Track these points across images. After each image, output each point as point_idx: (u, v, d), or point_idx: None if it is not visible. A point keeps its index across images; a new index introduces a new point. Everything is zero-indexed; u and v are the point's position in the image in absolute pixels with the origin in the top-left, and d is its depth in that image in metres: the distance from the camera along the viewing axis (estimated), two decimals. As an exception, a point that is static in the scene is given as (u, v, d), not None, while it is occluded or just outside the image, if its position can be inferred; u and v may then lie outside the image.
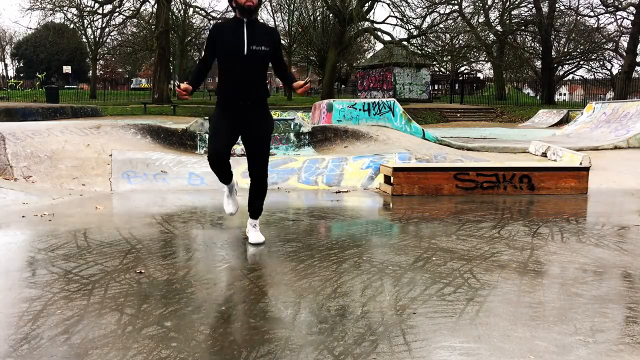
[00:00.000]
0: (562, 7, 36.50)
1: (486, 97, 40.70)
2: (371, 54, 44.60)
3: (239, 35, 3.62)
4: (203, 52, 3.85)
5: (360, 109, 10.91)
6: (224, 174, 3.95)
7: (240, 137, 3.86)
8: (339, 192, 6.59)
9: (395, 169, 6.35)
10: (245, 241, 4.08)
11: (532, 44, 41.20)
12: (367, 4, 31.76)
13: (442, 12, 34.25)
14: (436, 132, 13.52)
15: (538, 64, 40.41)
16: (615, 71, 39.97)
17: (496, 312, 2.63)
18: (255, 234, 4.03)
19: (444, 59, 39.60)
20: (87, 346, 2.23)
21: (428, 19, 33.79)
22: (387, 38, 32.35)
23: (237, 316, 2.56)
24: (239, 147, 8.71)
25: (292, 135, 9.09)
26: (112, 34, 41.72)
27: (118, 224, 4.65)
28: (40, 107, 23.24)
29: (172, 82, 36.08)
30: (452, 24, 36.41)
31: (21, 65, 60.28)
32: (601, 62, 41.16)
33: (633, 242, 4.09)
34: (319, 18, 41.33)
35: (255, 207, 4.05)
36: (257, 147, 3.85)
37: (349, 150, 8.74)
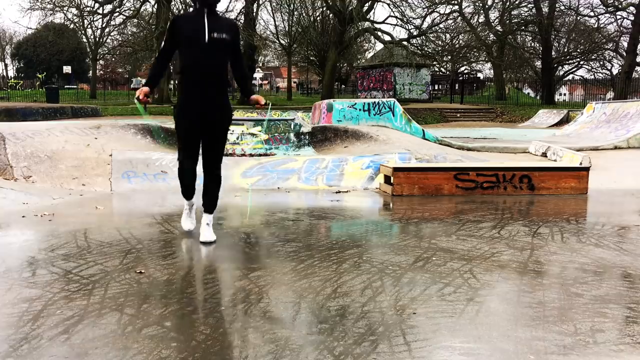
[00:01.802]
0: (562, 7, 36.51)
1: (486, 97, 40.69)
2: (371, 54, 44.60)
3: (200, 24, 3.68)
4: (163, 43, 3.90)
5: (360, 109, 10.91)
6: (190, 183, 4.06)
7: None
8: (339, 192, 6.59)
9: (395, 169, 6.35)
10: (246, 241, 4.08)
11: (532, 44, 41.21)
12: (367, 4, 31.76)
13: (442, 12, 34.28)
14: (436, 132, 13.52)
15: (538, 64, 40.41)
16: (615, 71, 39.99)
17: (496, 312, 2.63)
18: (208, 232, 3.98)
19: (444, 59, 39.63)
20: (87, 346, 2.23)
21: (428, 19, 33.83)
22: (387, 38, 32.37)
23: (237, 316, 2.56)
24: (239, 148, 8.71)
25: (292, 135, 9.10)
26: (112, 34, 41.71)
27: (118, 224, 4.64)
28: (40, 107, 23.26)
29: (172, 82, 36.08)
30: (452, 24, 36.47)
31: (21, 65, 60.29)
32: (601, 62, 41.18)
33: (633, 242, 4.09)
34: (319, 18, 41.33)
35: (210, 199, 4.05)
36: (214, 138, 3.94)
37: (349, 150, 8.74)
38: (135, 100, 3.85)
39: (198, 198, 4.16)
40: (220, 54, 3.77)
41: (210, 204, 4.06)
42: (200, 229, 4.04)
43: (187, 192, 4.11)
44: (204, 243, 3.91)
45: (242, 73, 4.07)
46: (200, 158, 3.98)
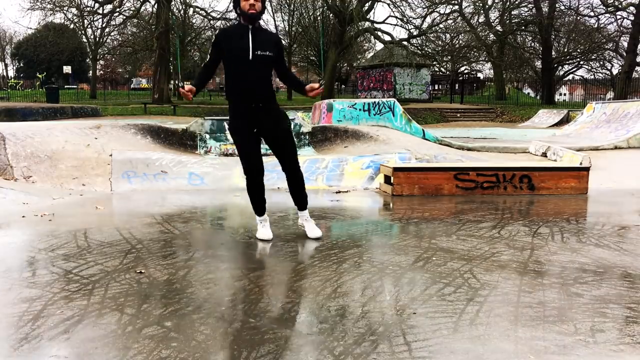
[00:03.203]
0: (562, 7, 36.51)
1: (486, 97, 40.69)
2: (371, 54, 44.61)
3: (245, 41, 3.77)
4: (208, 57, 3.99)
5: (360, 109, 10.91)
6: (260, 195, 4.08)
7: (262, 139, 4.03)
8: (339, 192, 6.59)
9: (396, 169, 6.35)
10: (246, 241, 4.08)
11: (532, 44, 41.19)
12: (367, 4, 31.76)
13: (442, 12, 34.27)
14: (436, 132, 13.52)
15: (538, 64, 40.40)
16: (615, 71, 39.98)
17: (496, 312, 2.63)
18: (312, 227, 4.16)
19: (444, 59, 39.64)
20: (87, 346, 2.23)
21: (428, 19, 33.82)
22: (387, 38, 32.36)
23: (237, 316, 2.56)
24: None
25: (292, 135, 9.08)
26: (112, 34, 41.71)
27: (118, 224, 4.65)
28: (40, 107, 23.26)
29: (172, 82, 36.08)
30: (452, 24, 36.45)
31: (21, 65, 60.27)
32: (601, 62, 41.16)
33: (633, 242, 4.09)
34: (319, 18, 41.32)
35: (300, 198, 4.19)
36: (282, 145, 4.00)
37: (349, 150, 8.74)
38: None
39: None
40: (264, 70, 3.89)
41: (301, 204, 4.21)
42: (303, 227, 4.24)
43: (258, 206, 4.14)
44: (313, 239, 4.07)
45: (290, 80, 4.18)
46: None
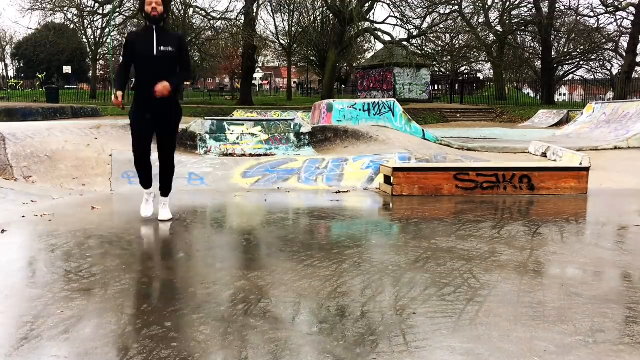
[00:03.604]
0: (562, 7, 36.52)
1: (486, 97, 40.69)
2: (371, 54, 44.59)
3: (150, 39, 4.36)
4: (122, 58, 4.61)
5: (360, 109, 10.91)
6: (146, 171, 4.65)
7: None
8: (339, 192, 6.59)
9: (395, 169, 6.35)
10: (246, 241, 4.08)
11: (532, 44, 41.20)
12: (367, 4, 31.76)
13: (442, 12, 34.28)
14: (436, 132, 13.52)
15: (538, 64, 40.41)
16: (615, 71, 39.97)
17: (496, 312, 2.63)
18: (165, 211, 4.72)
19: (444, 59, 39.65)
20: (87, 346, 2.23)
21: (428, 19, 33.84)
22: (387, 38, 32.37)
23: (237, 316, 2.56)
24: (239, 148, 8.72)
25: (292, 135, 9.10)
26: (112, 34, 41.68)
27: (118, 224, 4.65)
28: (40, 107, 23.26)
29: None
30: (452, 24, 36.46)
31: (21, 65, 60.23)
32: (601, 62, 41.16)
33: (633, 242, 4.09)
34: (319, 18, 41.33)
35: (165, 186, 4.76)
36: (165, 134, 4.59)
37: (349, 150, 8.74)
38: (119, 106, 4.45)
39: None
40: (167, 64, 4.40)
41: (165, 191, 4.81)
42: (159, 210, 4.76)
43: (144, 180, 4.72)
44: (162, 221, 4.64)
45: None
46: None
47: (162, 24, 4.46)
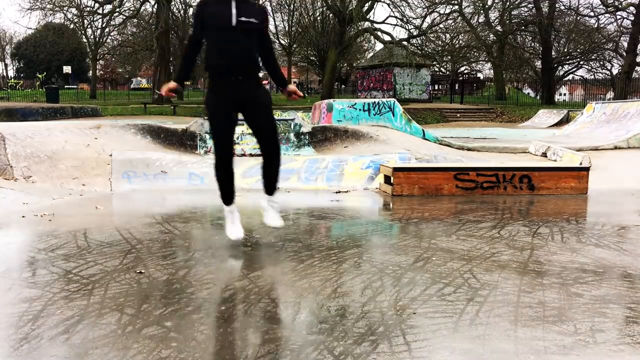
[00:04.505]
0: (562, 7, 36.52)
1: (486, 97, 40.68)
2: (371, 54, 44.60)
3: (228, 7, 3.51)
4: (192, 30, 3.73)
5: (360, 109, 10.91)
6: (230, 180, 3.86)
7: (242, 115, 3.75)
8: (339, 192, 6.59)
9: (395, 169, 6.35)
10: (246, 241, 4.07)
11: (532, 44, 41.18)
12: (367, 4, 31.76)
13: (442, 12, 34.27)
14: (436, 132, 13.51)
15: (538, 64, 40.40)
16: (615, 71, 39.97)
17: (496, 312, 2.63)
18: (274, 215, 3.92)
19: (444, 59, 39.62)
20: (87, 346, 2.23)
21: (428, 19, 33.83)
22: (387, 38, 32.37)
23: (237, 316, 2.56)
24: (238, 148, 8.71)
25: (292, 135, 9.09)
26: (112, 34, 41.70)
27: (118, 224, 4.64)
28: (40, 107, 23.25)
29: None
30: (452, 24, 36.44)
31: (21, 65, 60.23)
32: (601, 62, 41.15)
33: (633, 242, 4.09)
34: (319, 18, 41.32)
35: (270, 183, 3.97)
36: (262, 119, 3.74)
37: (349, 150, 8.74)
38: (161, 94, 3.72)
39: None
40: (249, 39, 3.58)
41: (271, 188, 4.00)
42: (265, 212, 4.04)
43: (226, 194, 3.89)
44: (273, 227, 3.96)
45: (273, 67, 3.87)
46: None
47: None
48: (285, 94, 3.92)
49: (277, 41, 44.25)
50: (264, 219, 3.95)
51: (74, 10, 33.98)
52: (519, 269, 3.33)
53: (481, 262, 3.46)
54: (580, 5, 36.90)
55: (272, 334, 2.35)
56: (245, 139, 8.79)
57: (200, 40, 3.68)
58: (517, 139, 14.27)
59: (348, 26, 31.44)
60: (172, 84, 3.70)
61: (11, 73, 61.39)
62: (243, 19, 3.51)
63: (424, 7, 32.55)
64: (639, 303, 2.78)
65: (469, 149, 10.22)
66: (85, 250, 3.69)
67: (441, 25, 34.96)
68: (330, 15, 35.72)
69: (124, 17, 34.72)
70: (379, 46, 39.58)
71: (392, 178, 6.30)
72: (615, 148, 10.50)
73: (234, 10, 3.50)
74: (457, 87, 40.34)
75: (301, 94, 3.95)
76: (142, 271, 3.24)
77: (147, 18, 35.26)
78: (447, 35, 37.56)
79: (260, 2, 35.50)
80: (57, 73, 49.30)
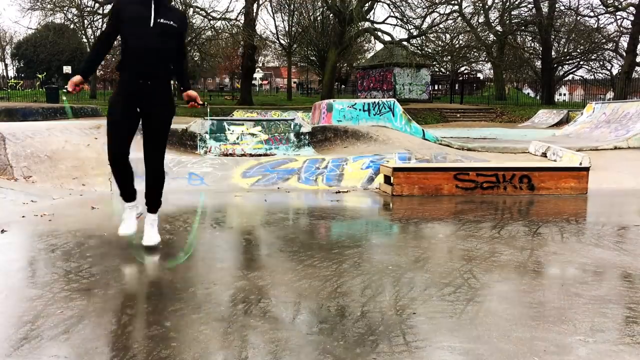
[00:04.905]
0: (562, 7, 36.52)
1: (486, 97, 40.69)
2: (371, 54, 44.60)
3: (147, 8, 3.46)
4: (105, 27, 3.66)
5: (360, 109, 10.91)
6: (127, 177, 3.79)
7: (140, 120, 3.72)
8: (339, 192, 6.59)
9: (395, 169, 6.35)
10: (246, 241, 4.08)
11: (532, 44, 41.20)
12: (367, 4, 31.76)
13: (442, 12, 34.26)
14: (436, 132, 13.52)
15: (538, 64, 40.41)
16: (615, 71, 39.98)
17: (496, 312, 2.63)
18: (151, 233, 3.76)
19: (444, 59, 39.62)
20: (87, 346, 2.23)
21: (428, 19, 33.81)
22: (387, 38, 32.36)
23: (237, 316, 2.56)
24: (239, 148, 8.71)
25: (292, 135, 9.10)
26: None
27: (118, 224, 4.63)
28: (40, 107, 23.23)
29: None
30: (452, 24, 36.44)
31: (21, 65, 60.21)
32: (601, 62, 41.16)
33: (633, 242, 4.09)
34: (319, 18, 41.32)
35: (153, 199, 3.85)
36: (156, 132, 3.72)
37: (349, 150, 8.74)
38: (63, 95, 3.61)
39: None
40: (165, 42, 3.53)
41: (153, 205, 3.89)
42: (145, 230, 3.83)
43: (125, 190, 3.84)
44: (146, 247, 3.73)
45: (180, 70, 3.86)
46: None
47: None
48: (185, 97, 3.85)
49: (277, 41, 44.26)
50: (143, 240, 3.75)
51: (74, 10, 33.98)
52: (519, 269, 3.33)
53: (481, 262, 3.46)
54: (580, 5, 37.02)
55: (272, 334, 2.35)
56: (245, 139, 8.80)
57: (111, 38, 3.64)
58: (517, 139, 14.28)
59: (348, 26, 31.43)
60: (76, 78, 3.59)
61: (11, 73, 61.40)
62: (162, 20, 3.48)
63: (424, 7, 32.56)
64: (639, 303, 2.78)
65: (469, 149, 10.22)
66: (85, 250, 3.69)
67: (441, 26, 34.96)
68: (330, 15, 35.73)
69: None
70: (379, 46, 39.59)
71: (392, 178, 6.30)
72: (615, 148, 10.50)
73: (152, 12, 3.47)
74: (457, 87, 40.35)
75: (200, 102, 3.84)
76: (142, 271, 3.24)
77: (147, 18, 35.17)
78: (447, 36, 37.58)
79: (261, 2, 35.55)
80: (57, 73, 49.28)
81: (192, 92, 3.78)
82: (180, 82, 3.87)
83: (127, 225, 3.73)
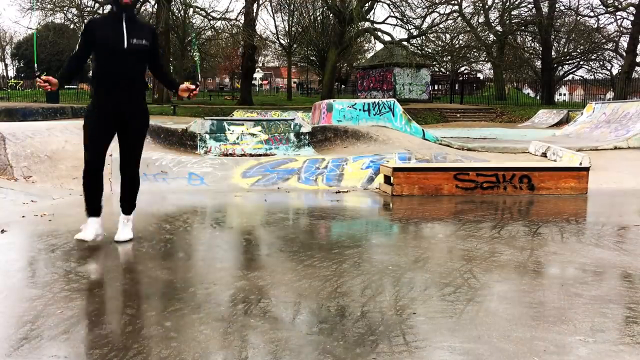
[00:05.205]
0: (562, 7, 36.54)
1: (486, 97, 40.70)
2: (371, 54, 44.61)
3: (119, 30, 3.61)
4: (77, 47, 3.81)
5: (360, 109, 10.92)
6: (98, 192, 3.91)
7: (116, 133, 3.88)
8: (339, 192, 6.59)
9: (395, 169, 6.35)
10: (246, 241, 4.08)
11: (532, 44, 41.21)
12: (367, 4, 31.78)
13: (442, 12, 34.31)
14: (436, 132, 13.52)
15: (538, 64, 40.42)
16: (615, 71, 40.00)
17: (496, 312, 2.63)
18: (125, 230, 3.98)
19: (444, 59, 39.65)
20: (87, 346, 2.23)
21: (428, 19, 33.85)
22: (387, 38, 32.38)
23: (237, 316, 2.56)
24: (238, 148, 8.71)
25: (292, 135, 9.10)
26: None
27: (118, 223, 4.63)
28: (40, 107, 23.25)
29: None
30: (452, 24, 36.47)
31: (21, 65, 60.23)
32: (601, 62, 41.19)
33: (633, 242, 4.09)
34: (319, 18, 41.33)
35: (127, 204, 4.05)
36: (131, 142, 3.89)
37: (349, 150, 8.74)
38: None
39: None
40: (139, 60, 3.73)
41: (127, 208, 4.07)
42: (119, 228, 4.02)
43: (92, 203, 3.92)
44: (119, 242, 3.90)
45: (163, 76, 4.07)
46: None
47: (134, 12, 3.78)
48: (180, 93, 3.96)
49: (277, 41, 44.27)
50: (115, 235, 3.94)
51: (74, 10, 33.97)
52: (519, 269, 3.33)
53: (481, 262, 3.46)
54: (580, 5, 37.09)
55: (272, 334, 2.35)
56: (245, 139, 8.80)
57: (84, 58, 3.79)
58: (517, 139, 14.28)
59: (348, 26, 31.45)
60: (53, 80, 3.73)
61: (11, 73, 61.40)
62: (134, 41, 3.64)
63: (424, 7, 32.59)
64: (639, 303, 2.78)
65: (469, 149, 10.22)
66: (85, 250, 3.69)
67: (441, 26, 35.00)
68: (330, 15, 35.74)
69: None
70: (379, 46, 39.60)
71: (392, 178, 6.30)
72: (615, 148, 10.50)
73: (125, 33, 3.62)
74: (457, 87, 40.37)
75: (193, 87, 3.92)
76: (142, 271, 3.24)
77: (147, 18, 35.26)
78: (447, 36, 37.61)
79: (261, 2, 35.55)
80: (58, 73, 49.24)
81: (183, 85, 3.92)
82: (170, 87, 4.05)
83: (86, 232, 3.77)
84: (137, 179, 4.04)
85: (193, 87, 3.91)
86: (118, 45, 3.60)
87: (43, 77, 3.70)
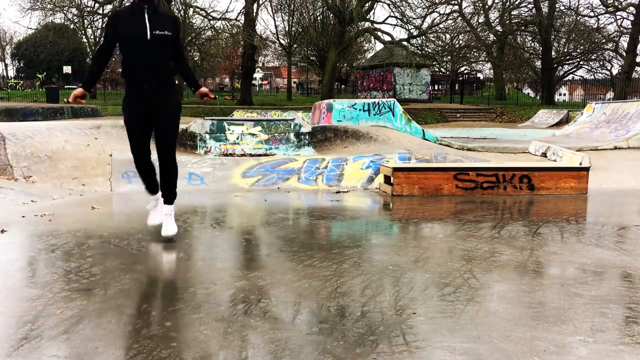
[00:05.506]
0: (562, 7, 36.54)
1: (486, 97, 40.71)
2: (371, 54, 44.61)
3: (141, 21, 3.71)
4: (102, 40, 3.94)
5: (360, 109, 10.92)
6: (149, 174, 4.13)
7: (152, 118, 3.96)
8: (339, 192, 6.59)
9: (395, 169, 6.35)
10: (246, 241, 4.08)
11: (532, 44, 41.22)
12: (367, 4, 31.78)
13: (442, 12, 34.32)
14: (436, 132, 13.52)
15: (538, 64, 40.43)
16: (615, 71, 40.00)
17: (496, 312, 2.63)
18: (170, 224, 4.00)
19: (444, 59, 39.64)
20: (87, 346, 2.23)
21: (428, 19, 33.87)
22: (387, 38, 32.38)
23: (237, 316, 2.56)
24: (239, 148, 8.71)
25: (292, 135, 9.10)
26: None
27: (118, 223, 4.64)
28: (40, 107, 23.24)
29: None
30: (452, 24, 36.47)
31: (21, 65, 60.22)
32: (601, 62, 41.19)
33: (633, 242, 4.09)
34: (319, 18, 41.33)
35: (169, 192, 4.06)
36: (165, 126, 3.93)
37: (349, 150, 8.74)
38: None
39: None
40: (163, 51, 3.82)
41: (169, 197, 4.09)
42: (162, 221, 4.07)
43: (149, 184, 4.21)
44: (165, 237, 3.95)
45: (185, 71, 4.14)
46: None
47: (155, 3, 3.86)
48: (198, 96, 4.18)
49: (277, 41, 44.26)
50: (162, 231, 3.98)
51: (74, 10, 33.98)
52: (519, 269, 3.33)
53: (481, 262, 3.46)
54: (580, 5, 37.12)
55: (272, 334, 2.35)
56: (245, 139, 8.80)
57: (110, 51, 3.93)
58: (517, 139, 14.28)
59: (348, 26, 31.45)
60: (78, 91, 3.85)
61: (11, 73, 61.40)
62: (157, 32, 3.74)
63: (424, 7, 32.59)
64: (639, 303, 2.78)
65: (469, 149, 10.22)
66: (85, 250, 3.69)
67: (441, 26, 35.00)
68: (330, 15, 35.75)
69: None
70: (379, 46, 39.60)
71: (392, 178, 6.30)
72: (615, 148, 10.51)
73: (147, 24, 3.72)
74: (457, 87, 40.37)
75: (212, 95, 4.20)
76: (142, 270, 3.24)
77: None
78: (447, 36, 37.61)
79: (261, 2, 35.56)
80: (58, 73, 49.29)
81: (202, 89, 4.13)
82: (190, 84, 4.17)
83: (153, 217, 4.18)
84: (176, 165, 4.04)
85: (212, 95, 4.16)
86: (142, 37, 3.70)
87: (72, 97, 3.86)
